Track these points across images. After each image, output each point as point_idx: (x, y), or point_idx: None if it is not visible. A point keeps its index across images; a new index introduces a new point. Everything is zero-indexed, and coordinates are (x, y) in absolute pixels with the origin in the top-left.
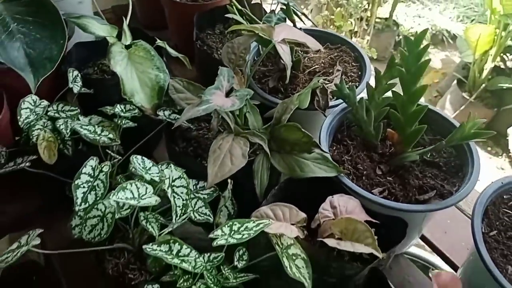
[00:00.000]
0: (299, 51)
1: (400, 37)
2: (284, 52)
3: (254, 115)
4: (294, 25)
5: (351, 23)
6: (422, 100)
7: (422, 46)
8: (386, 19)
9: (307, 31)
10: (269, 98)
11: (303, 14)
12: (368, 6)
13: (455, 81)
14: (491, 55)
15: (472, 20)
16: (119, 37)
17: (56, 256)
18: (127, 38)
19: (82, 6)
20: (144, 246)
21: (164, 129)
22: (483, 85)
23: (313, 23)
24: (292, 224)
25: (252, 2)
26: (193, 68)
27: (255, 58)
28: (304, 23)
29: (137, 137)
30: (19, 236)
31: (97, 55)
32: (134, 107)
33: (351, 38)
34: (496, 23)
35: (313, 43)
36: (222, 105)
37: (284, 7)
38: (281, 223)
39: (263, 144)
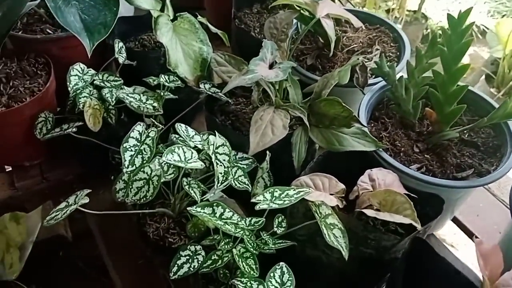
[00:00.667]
0: (338, 30)
1: (428, 30)
2: (329, 27)
3: (295, 88)
4: None
5: (387, 10)
6: None
7: (466, 25)
8: (414, 11)
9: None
10: (308, 74)
11: None
12: None
13: (483, 76)
14: None
15: (504, 16)
16: (162, 11)
17: (96, 221)
18: (170, 13)
19: None
20: (188, 208)
21: (204, 102)
22: None
23: (351, 3)
24: (331, 194)
25: None
26: (230, 46)
27: (294, 36)
28: (342, 4)
29: (176, 110)
30: (50, 209)
31: (138, 30)
32: (177, 78)
33: None
34: None
35: (355, 20)
36: (267, 76)
37: None
38: (321, 192)
39: (303, 117)
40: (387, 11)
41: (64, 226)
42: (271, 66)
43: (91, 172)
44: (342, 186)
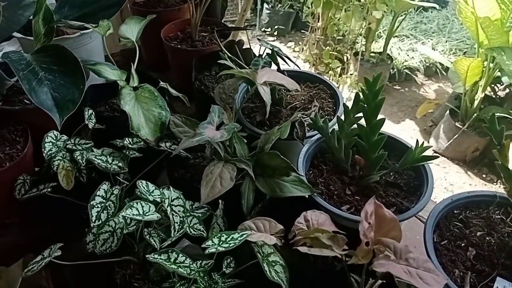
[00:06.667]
0: (283, 90)
1: (395, 70)
2: (265, 93)
3: (241, 145)
4: (278, 68)
5: (340, 59)
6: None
7: (378, 86)
8: (380, 53)
9: (290, 72)
10: (256, 130)
11: (287, 57)
12: (359, 42)
13: (448, 111)
14: (481, 85)
15: (465, 53)
16: (127, 80)
17: (71, 270)
18: (135, 81)
19: (95, 52)
20: (147, 256)
21: (165, 158)
22: (475, 114)
23: (296, 65)
24: (272, 235)
25: (243, 48)
26: (192, 105)
27: (245, 96)
28: (288, 65)
29: (143, 165)
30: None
31: (108, 95)
32: (140, 140)
33: (340, 75)
34: (483, 55)
35: (290, 84)
36: (213, 137)
37: (270, 52)
38: (262, 233)
39: (248, 169)
40: (346, 57)
41: (46, 278)
42: (218, 127)
43: (66, 227)
44: (281, 227)
